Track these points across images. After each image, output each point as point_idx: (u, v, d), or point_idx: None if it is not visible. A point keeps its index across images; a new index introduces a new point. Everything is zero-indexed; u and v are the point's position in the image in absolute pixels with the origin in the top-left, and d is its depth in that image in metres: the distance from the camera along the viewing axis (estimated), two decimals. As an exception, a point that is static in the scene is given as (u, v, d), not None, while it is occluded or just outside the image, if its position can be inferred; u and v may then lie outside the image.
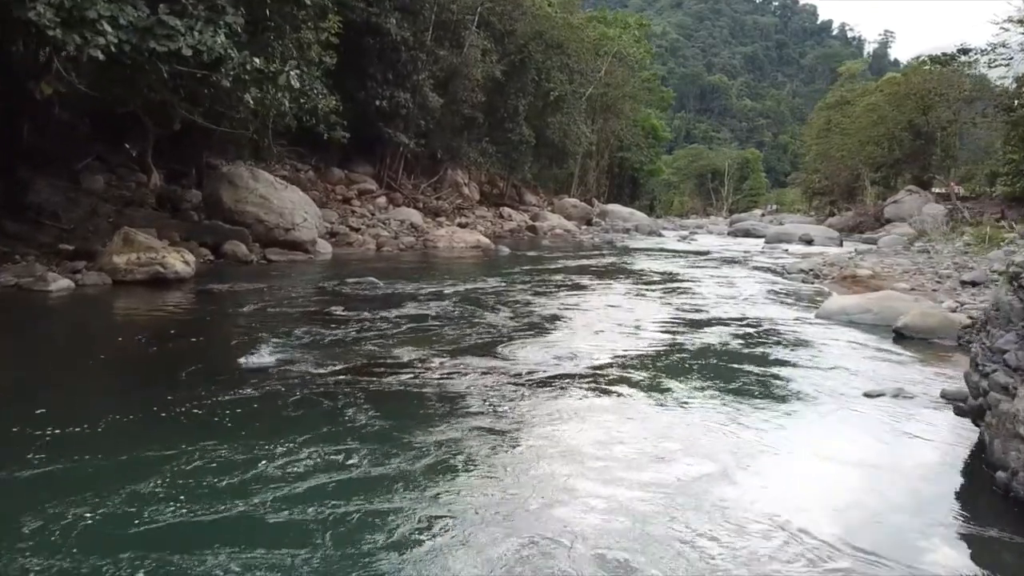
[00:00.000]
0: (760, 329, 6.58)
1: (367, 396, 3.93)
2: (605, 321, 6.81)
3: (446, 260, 13.02)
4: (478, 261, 13.03)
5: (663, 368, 5.00)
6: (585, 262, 13.34)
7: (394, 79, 19.00)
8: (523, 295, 8.34)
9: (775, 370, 5.00)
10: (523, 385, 4.30)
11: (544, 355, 5.12)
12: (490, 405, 3.86)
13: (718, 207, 68.99)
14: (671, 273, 11.58)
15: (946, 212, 29.28)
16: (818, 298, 8.85)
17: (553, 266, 12.27)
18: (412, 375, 4.40)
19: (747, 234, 27.00)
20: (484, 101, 23.87)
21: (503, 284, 9.36)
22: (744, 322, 6.90)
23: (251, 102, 7.91)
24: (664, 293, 9.08)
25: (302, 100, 12.23)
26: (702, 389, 4.45)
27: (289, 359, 4.65)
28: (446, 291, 8.38)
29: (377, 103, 18.63)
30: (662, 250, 17.32)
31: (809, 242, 20.57)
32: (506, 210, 25.74)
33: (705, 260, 14.44)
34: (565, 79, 27.43)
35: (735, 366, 5.12)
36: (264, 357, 4.62)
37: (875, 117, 32.19)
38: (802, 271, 10.85)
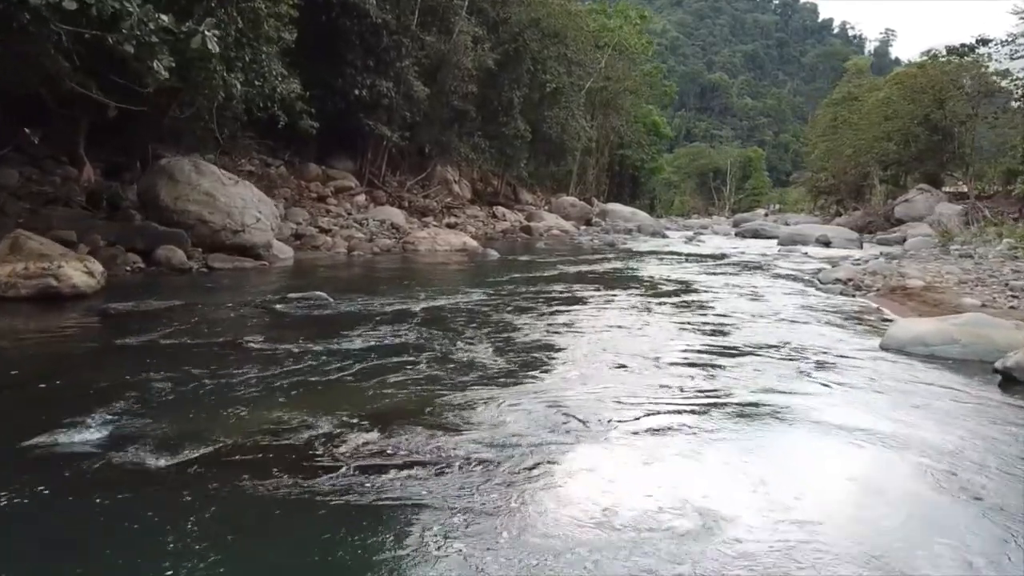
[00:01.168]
0: (813, 366, 4.96)
1: (212, 521, 2.31)
2: (613, 353, 5.18)
3: (425, 266, 11.40)
4: (462, 267, 11.41)
5: (703, 440, 3.37)
6: (584, 268, 11.74)
7: (375, 66, 17.36)
8: (508, 314, 6.72)
9: (856, 443, 3.38)
10: (499, 487, 2.67)
11: (532, 421, 3.50)
12: (440, 545, 2.22)
13: (720, 207, 67.47)
14: (684, 282, 9.96)
15: (962, 212, 27.85)
16: (867, 316, 7.23)
17: (548, 273, 10.65)
18: (308, 471, 2.76)
19: (756, 235, 25.40)
20: (476, 93, 22.24)
21: (486, 298, 7.73)
22: (790, 355, 5.28)
23: (163, 73, 6.27)
24: (680, 309, 7.46)
25: (257, 82, 10.63)
26: (764, 494, 2.82)
27: (125, 434, 3.02)
28: (413, 309, 6.75)
29: (356, 92, 17.00)
30: (669, 253, 15.70)
31: (826, 244, 18.96)
32: (500, 209, 24.13)
33: (718, 265, 12.83)
34: (563, 70, 25.82)
35: (799, 435, 3.50)
36: (83, 432, 2.99)
37: (889, 111, 30.55)
38: (838, 280, 9.23)
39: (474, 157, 22.82)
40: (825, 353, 5.38)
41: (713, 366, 4.86)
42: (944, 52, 31.09)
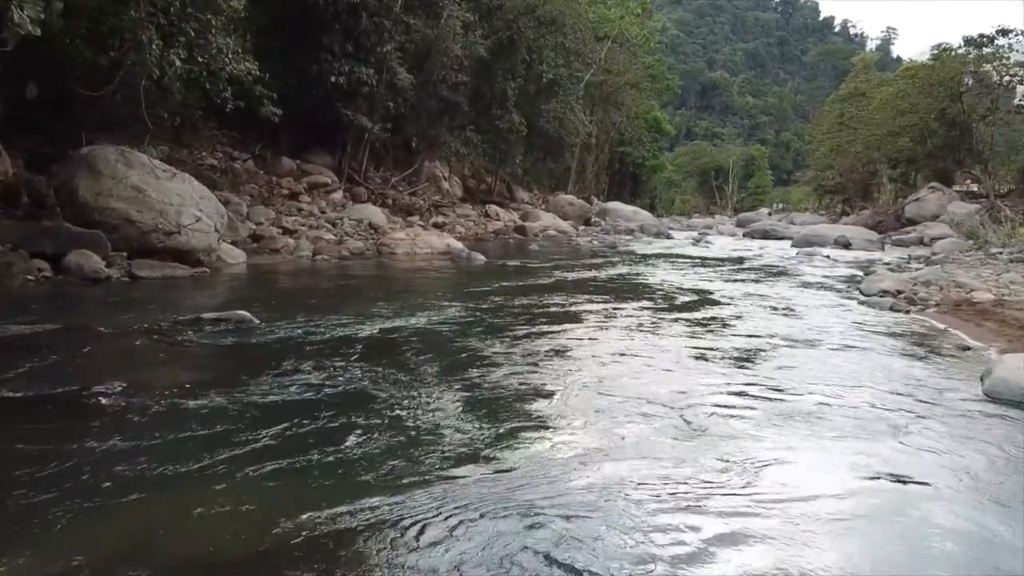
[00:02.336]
0: (906, 425, 3.47)
1: None
2: (621, 406, 3.69)
3: (398, 273, 9.88)
4: (441, 274, 9.89)
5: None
6: (583, 274, 10.23)
7: (354, 51, 15.84)
8: (486, 340, 5.22)
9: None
10: None
11: (509, 550, 2.02)
12: None
13: (722, 206, 65.94)
14: (701, 291, 8.45)
15: (980, 211, 26.54)
16: (939, 342, 5.72)
17: (541, 281, 9.15)
18: None
19: (766, 236, 23.88)
20: (468, 84, 20.73)
21: (460, 315, 6.23)
22: (866, 405, 3.79)
23: (28, 26, 4.75)
24: (701, 330, 5.96)
25: (201, 58, 9.12)
26: None
27: None
28: (362, 335, 5.25)
29: (333, 79, 15.48)
30: (677, 256, 14.19)
31: (846, 246, 17.46)
32: (493, 208, 22.59)
33: (735, 270, 11.33)
34: (560, 61, 24.26)
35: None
36: None
37: (904, 106, 29.01)
38: (885, 292, 7.72)
39: (465, 152, 21.26)
40: (912, 403, 3.89)
41: (767, 424, 3.37)
42: (955, 45, 29.68)
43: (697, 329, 6.01)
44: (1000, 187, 30.03)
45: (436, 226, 17.48)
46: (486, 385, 3.99)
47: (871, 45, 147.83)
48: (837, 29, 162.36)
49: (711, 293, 8.37)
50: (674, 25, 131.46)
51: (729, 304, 7.49)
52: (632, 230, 22.48)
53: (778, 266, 12.18)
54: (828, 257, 14.00)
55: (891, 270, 10.57)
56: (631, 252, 15.16)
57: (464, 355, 4.72)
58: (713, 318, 6.62)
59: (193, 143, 13.84)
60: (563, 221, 22.25)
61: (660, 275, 10.31)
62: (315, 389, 3.76)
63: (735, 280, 9.91)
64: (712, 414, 3.55)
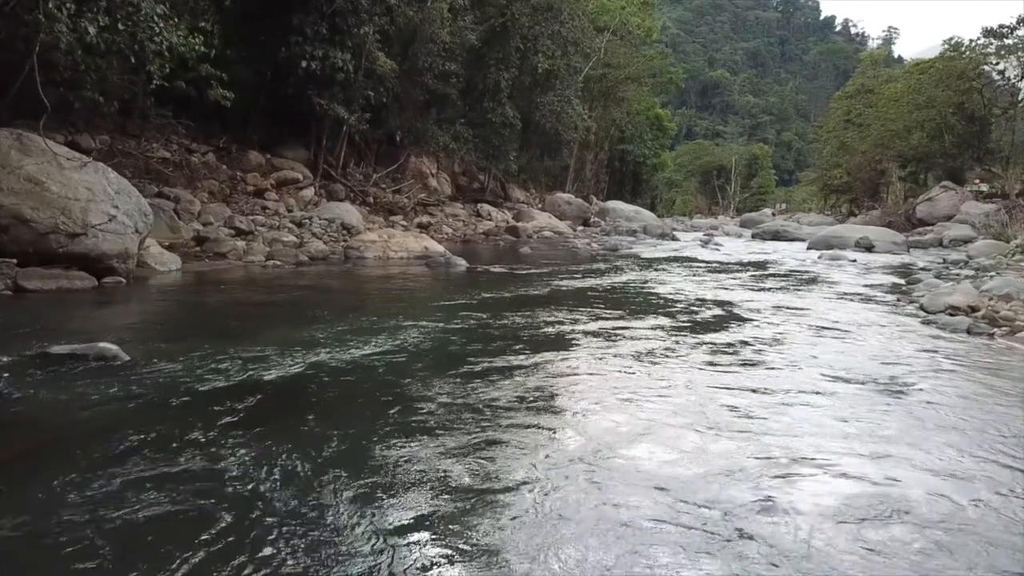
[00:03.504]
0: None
1: None
2: (629, 494, 2.21)
3: (359, 283, 8.36)
4: (410, 284, 8.37)
5: None
6: (579, 283, 8.73)
7: (329, 33, 14.36)
8: (435, 384, 3.71)
9: None
10: None
11: None
12: None
13: (724, 206, 64.53)
14: (723, 304, 6.95)
15: (999, 211, 25.34)
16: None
17: (528, 292, 7.66)
18: None
19: (776, 237, 22.37)
20: (457, 74, 19.27)
21: (414, 346, 4.73)
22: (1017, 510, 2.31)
23: None
24: (735, 360, 4.47)
25: (122, 26, 7.63)
26: None
27: None
28: (264, 379, 3.74)
29: (305, 64, 14.00)
30: (687, 261, 12.70)
31: (868, 248, 15.97)
32: (485, 207, 21.13)
33: (756, 277, 9.84)
34: (557, 50, 22.79)
35: None
36: None
37: (920, 99, 27.54)
38: (955, 309, 6.22)
39: (455, 147, 19.77)
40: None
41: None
42: (969, 38, 28.30)
43: (728, 360, 4.52)
44: (1007, 187, 28.82)
45: (420, 226, 16.02)
46: (408, 476, 2.50)
47: (872, 45, 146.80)
48: (838, 28, 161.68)
49: (735, 306, 6.88)
50: (674, 24, 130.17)
51: (762, 322, 6.00)
52: (634, 231, 20.94)
53: (803, 272, 10.67)
54: (855, 261, 12.51)
55: (937, 277, 9.07)
56: (634, 256, 13.66)
57: (395, 412, 3.23)
58: (745, 342, 5.12)
59: (143, 133, 12.34)
60: (559, 221, 20.77)
61: (671, 284, 8.80)
62: (160, 475, 2.26)
63: (760, 289, 8.41)
64: (771, 533, 2.06)
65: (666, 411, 3.39)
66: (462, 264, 9.70)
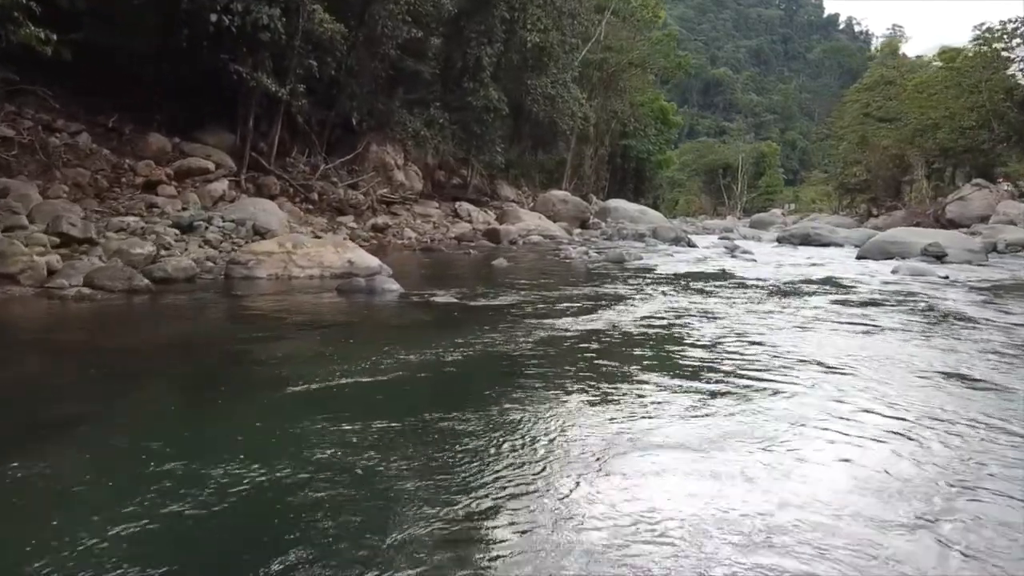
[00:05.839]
0: None
1: None
2: None
3: (204, 330, 5.01)
4: (292, 331, 5.01)
5: None
6: (569, 325, 5.32)
7: (250, -21, 11.09)
8: None
9: None
10: None
11: None
12: None
13: (731, 206, 61.39)
14: (816, 364, 3.63)
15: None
16: None
17: (480, 343, 4.39)
18: None
19: (807, 242, 19.08)
20: (431, 48, 15.99)
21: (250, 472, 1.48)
22: None
23: None
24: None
25: None
26: None
27: None
28: None
29: (214, 19, 10.71)
30: (718, 278, 9.37)
31: (939, 257, 12.69)
32: (465, 207, 17.83)
33: (837, 302, 6.49)
34: (550, 23, 19.52)
35: None
36: None
37: (966, 85, 24.30)
38: None
39: (427, 135, 16.49)
40: None
41: None
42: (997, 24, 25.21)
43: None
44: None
45: (376, 228, 12.74)
46: None
47: (876, 43, 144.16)
48: (842, 27, 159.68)
49: (838, 370, 3.55)
50: (675, 21, 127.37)
51: (903, 417, 2.69)
52: (641, 235, 17.57)
53: (900, 296, 7.30)
54: (947, 278, 9.22)
55: None
56: (648, 271, 10.31)
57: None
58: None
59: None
60: (552, 223, 17.45)
61: (718, 326, 5.42)
62: None
63: (857, 327, 5.08)
64: None
65: None
66: (395, 289, 6.39)
